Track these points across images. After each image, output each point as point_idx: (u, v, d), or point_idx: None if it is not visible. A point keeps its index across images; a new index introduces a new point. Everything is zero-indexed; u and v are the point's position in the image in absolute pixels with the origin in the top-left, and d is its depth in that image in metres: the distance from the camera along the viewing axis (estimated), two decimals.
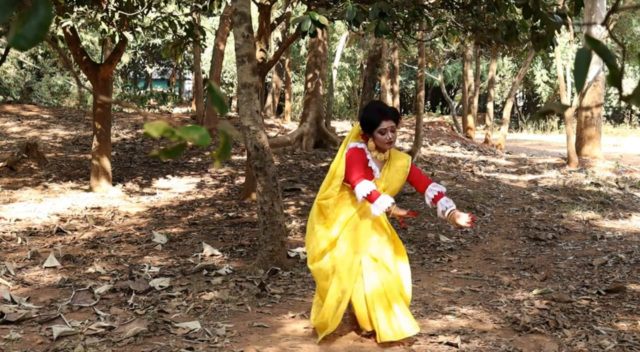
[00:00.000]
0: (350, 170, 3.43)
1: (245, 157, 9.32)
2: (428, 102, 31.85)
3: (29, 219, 6.72)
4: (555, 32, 5.45)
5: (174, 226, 6.63)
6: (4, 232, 6.06)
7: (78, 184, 8.70)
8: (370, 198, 3.33)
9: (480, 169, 11.20)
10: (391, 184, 3.55)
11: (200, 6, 7.71)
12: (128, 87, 26.03)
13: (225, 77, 26.51)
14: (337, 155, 3.57)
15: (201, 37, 8.08)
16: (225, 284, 4.54)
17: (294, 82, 25.90)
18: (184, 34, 7.75)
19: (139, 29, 7.64)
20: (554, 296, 4.26)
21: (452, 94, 31.46)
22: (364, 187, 3.32)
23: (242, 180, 9.03)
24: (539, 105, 30.42)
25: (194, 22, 7.87)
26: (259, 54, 7.17)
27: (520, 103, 33.85)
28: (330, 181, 3.55)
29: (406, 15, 6.24)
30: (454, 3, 6.48)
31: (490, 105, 17.51)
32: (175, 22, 7.55)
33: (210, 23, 24.90)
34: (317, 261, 3.51)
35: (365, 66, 15.79)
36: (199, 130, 0.99)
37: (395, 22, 6.38)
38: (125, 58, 23.83)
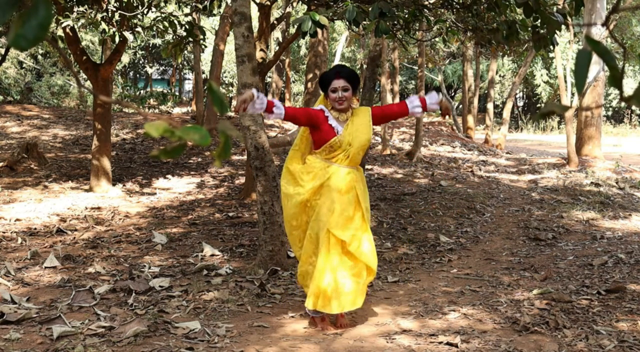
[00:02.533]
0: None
1: (245, 157, 9.32)
2: None
3: (29, 219, 6.72)
4: (556, 31, 5.45)
5: (174, 226, 6.63)
6: (4, 232, 6.06)
7: (78, 184, 8.69)
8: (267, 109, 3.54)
9: (480, 169, 11.21)
10: (355, 138, 3.69)
11: (200, 6, 7.70)
12: (128, 87, 26.03)
13: (225, 77, 26.51)
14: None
15: (201, 37, 8.07)
16: (225, 284, 4.54)
17: (294, 82, 25.89)
18: (184, 34, 7.75)
19: (139, 29, 7.64)
20: (554, 296, 4.26)
21: (452, 94, 31.45)
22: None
23: (242, 180, 9.02)
24: (539, 105, 30.41)
25: (194, 22, 7.87)
26: (259, 54, 7.17)
27: (520, 103, 33.85)
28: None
29: (406, 15, 6.23)
30: (454, 3, 6.47)
31: (490, 105, 17.51)
32: (175, 22, 7.55)
33: (210, 23, 24.89)
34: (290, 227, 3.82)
35: (365, 66, 15.78)
36: (199, 131, 0.99)
37: (395, 22, 6.38)
38: (125, 58, 23.84)
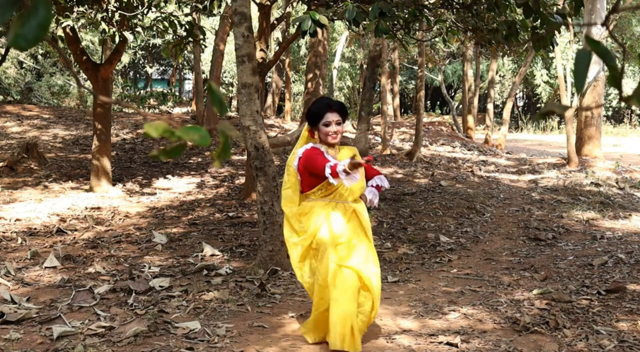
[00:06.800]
0: (314, 165, 3.35)
1: (245, 157, 9.32)
2: (428, 102, 31.85)
3: (29, 219, 6.72)
4: (556, 32, 5.45)
5: (174, 226, 6.63)
6: (4, 232, 6.06)
7: (78, 184, 8.69)
8: (333, 172, 3.21)
9: (480, 169, 11.20)
10: (356, 183, 3.45)
11: (200, 6, 7.71)
12: (128, 87, 26.03)
13: (225, 77, 26.49)
14: (288, 160, 3.58)
15: (201, 37, 8.07)
16: (225, 284, 4.54)
17: (294, 82, 25.88)
18: (184, 34, 7.75)
19: (139, 29, 7.64)
20: (554, 296, 4.26)
21: (452, 94, 31.43)
22: (327, 168, 3.25)
23: (242, 180, 9.02)
24: (539, 105, 30.41)
25: (194, 22, 7.87)
26: (259, 54, 7.17)
27: (520, 103, 33.85)
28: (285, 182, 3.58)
29: (406, 15, 6.24)
30: (454, 3, 6.48)
31: (490, 106, 17.51)
32: (175, 22, 7.55)
33: (210, 23, 24.87)
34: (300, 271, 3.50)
35: (365, 66, 15.79)
36: (199, 131, 0.99)
37: (395, 22, 6.38)
38: (125, 58, 23.82)
